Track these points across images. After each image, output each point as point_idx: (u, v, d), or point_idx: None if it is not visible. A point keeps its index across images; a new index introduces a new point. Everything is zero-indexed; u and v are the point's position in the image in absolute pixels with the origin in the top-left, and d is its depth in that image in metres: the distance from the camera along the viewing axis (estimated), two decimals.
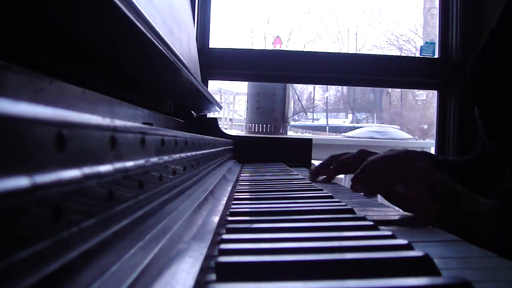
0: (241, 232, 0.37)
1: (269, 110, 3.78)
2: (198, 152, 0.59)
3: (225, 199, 0.49)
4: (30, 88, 0.33)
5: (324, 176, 0.92)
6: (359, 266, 0.26)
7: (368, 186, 0.56)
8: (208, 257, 0.27)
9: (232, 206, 0.49)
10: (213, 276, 0.25)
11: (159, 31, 0.46)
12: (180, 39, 0.88)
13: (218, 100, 1.64)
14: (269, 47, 13.00)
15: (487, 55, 0.80)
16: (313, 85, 11.51)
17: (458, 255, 0.34)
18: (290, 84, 4.46)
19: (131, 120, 0.57)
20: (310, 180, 0.85)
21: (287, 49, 8.11)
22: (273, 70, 1.61)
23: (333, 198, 0.57)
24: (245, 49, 1.93)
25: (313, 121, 13.00)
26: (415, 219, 0.48)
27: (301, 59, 1.65)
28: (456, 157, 1.44)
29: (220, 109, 1.53)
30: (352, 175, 0.63)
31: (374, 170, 0.55)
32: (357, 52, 12.86)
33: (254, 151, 1.40)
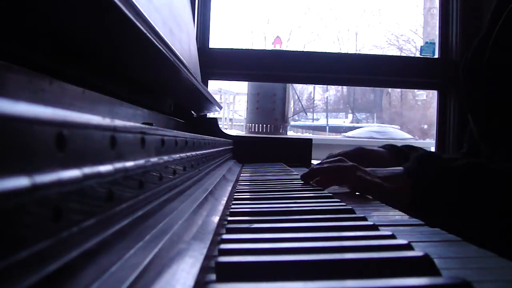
0: (241, 232, 0.37)
1: (269, 110, 3.77)
2: (198, 152, 0.59)
3: (225, 199, 0.49)
4: (30, 88, 0.33)
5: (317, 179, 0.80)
6: (359, 266, 0.26)
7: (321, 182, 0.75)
8: (208, 257, 0.27)
9: (232, 206, 0.49)
10: (213, 276, 0.25)
11: (159, 31, 0.46)
12: (180, 39, 0.87)
13: (218, 100, 1.64)
14: (269, 47, 13.01)
15: (476, 62, 0.81)
16: (313, 85, 11.51)
17: (458, 255, 0.34)
18: (290, 84, 4.45)
19: (131, 120, 0.57)
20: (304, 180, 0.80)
21: (287, 49, 8.10)
22: (273, 70, 1.61)
23: (333, 198, 0.57)
24: (245, 49, 1.93)
25: (313, 121, 13.01)
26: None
27: (301, 59, 1.64)
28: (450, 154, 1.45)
29: (220, 109, 1.53)
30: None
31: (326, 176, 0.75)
32: (357, 52, 12.87)
33: (254, 151, 1.40)
